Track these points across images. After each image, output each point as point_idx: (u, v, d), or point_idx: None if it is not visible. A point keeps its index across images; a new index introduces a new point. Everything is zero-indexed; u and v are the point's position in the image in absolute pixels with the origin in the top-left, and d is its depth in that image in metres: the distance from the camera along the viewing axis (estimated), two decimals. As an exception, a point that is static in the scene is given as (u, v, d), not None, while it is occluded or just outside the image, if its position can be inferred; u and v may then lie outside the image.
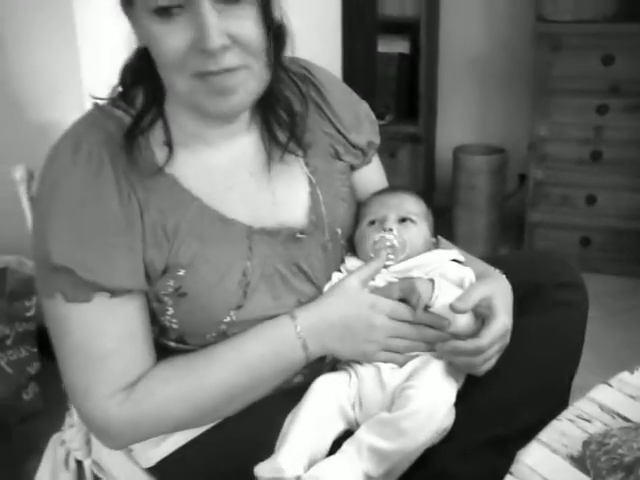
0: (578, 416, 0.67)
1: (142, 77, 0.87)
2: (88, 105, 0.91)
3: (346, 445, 0.82)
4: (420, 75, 2.79)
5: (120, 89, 0.90)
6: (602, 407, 0.68)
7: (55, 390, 1.78)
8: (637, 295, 2.42)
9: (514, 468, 0.62)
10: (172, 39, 0.77)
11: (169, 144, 0.86)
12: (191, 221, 0.86)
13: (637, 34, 2.33)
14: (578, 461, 0.62)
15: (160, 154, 0.86)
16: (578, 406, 0.68)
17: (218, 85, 0.80)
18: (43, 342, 1.87)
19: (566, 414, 0.67)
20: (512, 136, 2.89)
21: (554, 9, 2.41)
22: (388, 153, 2.94)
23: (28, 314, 1.81)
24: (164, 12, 0.76)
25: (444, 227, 2.84)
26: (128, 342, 0.85)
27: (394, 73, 2.86)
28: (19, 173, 0.94)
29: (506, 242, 2.81)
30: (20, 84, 1.81)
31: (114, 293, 0.82)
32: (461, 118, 3.03)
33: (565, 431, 0.66)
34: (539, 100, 2.49)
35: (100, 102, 0.89)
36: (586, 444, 0.62)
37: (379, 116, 2.81)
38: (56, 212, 0.82)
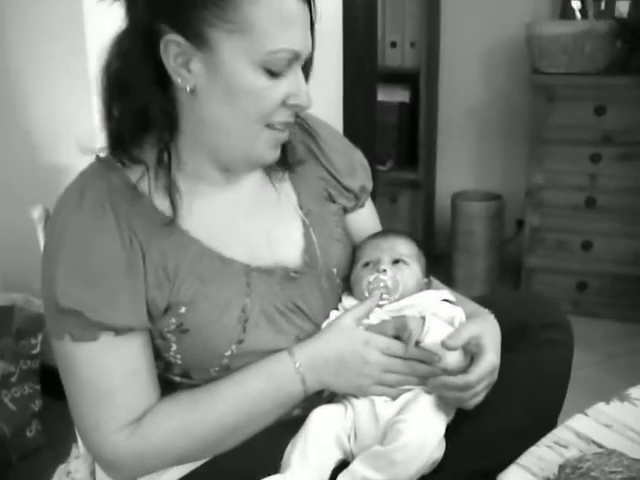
0: (555, 442, 0.71)
1: (162, 125, 0.89)
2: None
3: (341, 477, 0.85)
4: (420, 123, 2.87)
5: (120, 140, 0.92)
6: (578, 434, 0.73)
7: (57, 427, 1.82)
8: (632, 340, 2.44)
9: (494, 487, 0.66)
10: (274, 94, 0.86)
11: (171, 195, 0.90)
12: (191, 261, 0.90)
13: (627, 86, 2.42)
14: None
15: (160, 200, 0.91)
16: (556, 433, 0.72)
17: (280, 136, 0.91)
18: (46, 380, 1.90)
19: (544, 441, 0.72)
20: (509, 183, 2.95)
21: (549, 62, 2.50)
22: (389, 198, 3.00)
23: (33, 352, 1.84)
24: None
25: (443, 271, 2.88)
26: (133, 378, 0.89)
27: (395, 121, 2.94)
28: (37, 213, 0.99)
29: (504, 286, 2.85)
30: (37, 131, 1.88)
31: (119, 332, 0.87)
32: (460, 165, 3.09)
33: (543, 456, 0.70)
34: (535, 148, 2.56)
35: (101, 154, 0.93)
36: (562, 468, 0.66)
37: (380, 162, 2.88)
38: (62, 257, 0.86)
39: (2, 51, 1.85)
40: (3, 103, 1.90)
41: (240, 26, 0.82)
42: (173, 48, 0.84)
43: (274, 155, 0.93)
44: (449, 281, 2.75)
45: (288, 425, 0.92)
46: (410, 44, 2.84)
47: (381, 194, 2.85)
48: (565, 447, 0.71)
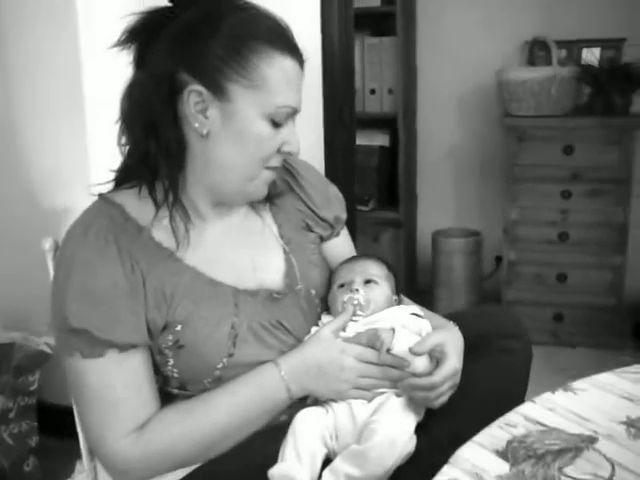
0: (506, 424, 0.82)
1: (176, 163, 1.01)
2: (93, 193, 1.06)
3: (326, 474, 0.94)
4: (399, 165, 2.98)
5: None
6: (526, 417, 0.83)
7: (52, 463, 1.88)
8: (608, 366, 2.52)
9: (451, 459, 0.76)
10: (275, 141, 1.00)
11: (175, 227, 1.01)
12: (186, 286, 1.01)
13: (592, 127, 2.57)
14: (502, 454, 0.77)
15: (157, 232, 1.02)
16: (506, 417, 0.83)
17: (271, 176, 1.05)
18: (42, 417, 1.97)
19: (496, 422, 0.82)
20: (487, 220, 3.07)
21: (518, 105, 2.64)
22: (371, 238, 3.09)
23: (31, 388, 1.89)
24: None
25: (426, 306, 2.91)
26: (136, 390, 0.98)
27: (376, 164, 3.05)
28: (48, 244, 1.09)
29: (485, 319, 2.94)
30: (38, 178, 1.98)
31: (122, 348, 0.97)
32: (439, 204, 3.21)
33: (494, 434, 0.80)
34: (509, 186, 2.68)
35: (104, 192, 1.06)
36: (509, 442, 0.77)
37: (362, 203, 2.99)
38: (72, 284, 0.97)
39: (6, 103, 1.96)
40: (6, 152, 2.01)
41: (256, 83, 0.97)
42: (194, 97, 0.97)
43: (264, 192, 1.07)
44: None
45: (276, 430, 1.01)
46: (388, 91, 2.98)
47: (363, 233, 2.95)
48: (514, 427, 0.82)
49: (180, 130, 0.99)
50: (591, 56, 2.81)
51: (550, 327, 2.73)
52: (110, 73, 1.70)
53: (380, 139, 3.06)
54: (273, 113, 0.98)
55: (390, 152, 3.05)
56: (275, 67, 0.97)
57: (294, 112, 1.02)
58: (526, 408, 0.85)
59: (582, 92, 2.71)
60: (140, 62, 1.01)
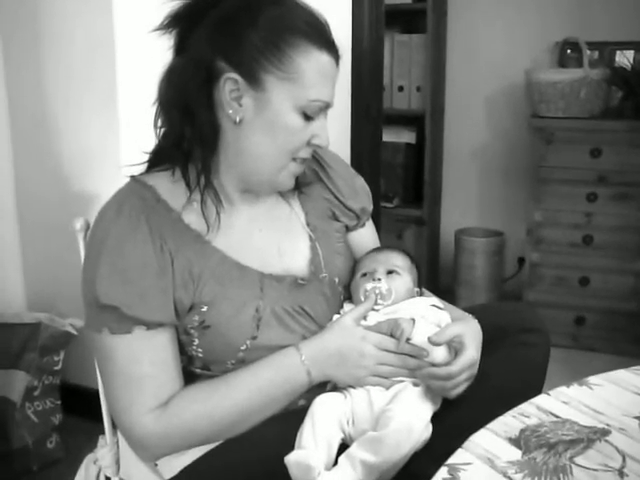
0: (520, 413, 0.84)
1: (210, 147, 1.04)
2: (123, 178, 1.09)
3: (342, 460, 0.96)
4: (425, 163, 3.00)
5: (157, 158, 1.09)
6: (539, 408, 0.85)
7: (74, 441, 1.92)
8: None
9: (464, 444, 0.78)
10: (305, 134, 1.03)
11: (206, 211, 1.04)
12: (213, 268, 1.04)
13: (621, 130, 2.55)
14: (514, 441, 0.79)
15: (187, 215, 1.05)
16: (520, 407, 0.85)
17: (299, 168, 1.08)
18: (66, 397, 2.02)
19: (510, 412, 0.84)
20: (510, 221, 3.06)
21: (547, 107, 2.64)
22: (395, 234, 3.11)
23: (56, 368, 1.95)
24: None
25: None
26: (161, 367, 1.01)
27: (401, 161, 3.07)
28: (79, 224, 1.13)
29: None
30: (68, 164, 2.02)
31: (150, 326, 0.99)
32: (463, 203, 3.21)
33: (508, 422, 0.82)
34: (534, 188, 2.67)
35: (136, 174, 1.08)
36: (522, 431, 0.79)
37: (387, 200, 3.01)
38: (103, 261, 0.99)
39: (38, 87, 2.00)
40: (38, 136, 2.05)
41: (291, 75, 0.99)
42: (230, 84, 1.00)
43: (292, 183, 1.10)
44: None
45: (294, 415, 1.03)
46: (416, 88, 2.99)
47: (387, 230, 2.97)
48: (527, 417, 0.83)
49: (214, 115, 1.02)
50: (624, 59, 2.79)
51: (571, 330, 2.71)
52: (143, 58, 1.74)
53: (407, 136, 3.07)
54: (305, 106, 1.01)
55: (416, 149, 3.07)
56: (311, 61, 0.99)
57: (326, 106, 1.04)
58: (540, 400, 0.87)
59: (612, 95, 2.69)
60: (180, 48, 1.04)
